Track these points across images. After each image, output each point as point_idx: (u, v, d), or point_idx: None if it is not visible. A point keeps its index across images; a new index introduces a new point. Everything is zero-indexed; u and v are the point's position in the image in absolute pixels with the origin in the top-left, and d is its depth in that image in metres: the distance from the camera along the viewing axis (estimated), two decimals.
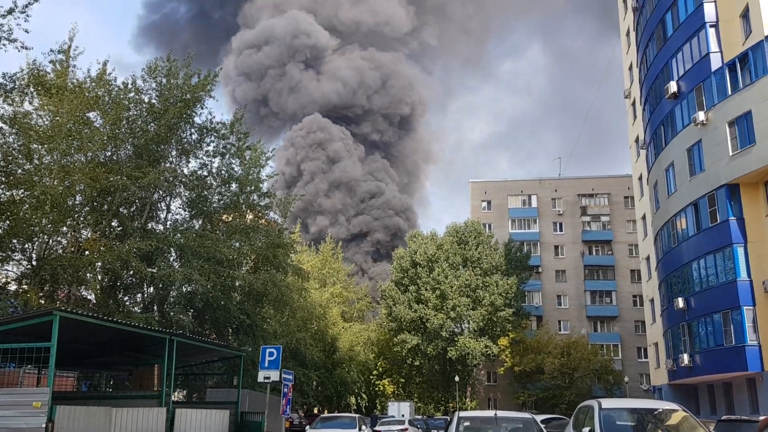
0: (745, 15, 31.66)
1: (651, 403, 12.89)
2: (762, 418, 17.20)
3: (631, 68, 48.61)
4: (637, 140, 47.07)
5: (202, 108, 25.69)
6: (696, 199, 33.13)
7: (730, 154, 30.43)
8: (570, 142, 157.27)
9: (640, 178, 47.28)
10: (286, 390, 22.25)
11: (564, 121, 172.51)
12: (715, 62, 32.57)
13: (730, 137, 30.56)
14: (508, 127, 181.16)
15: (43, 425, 8.22)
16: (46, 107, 21.69)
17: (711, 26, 33.28)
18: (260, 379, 20.70)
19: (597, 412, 10.96)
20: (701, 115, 32.07)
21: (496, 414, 11.91)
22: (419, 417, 44.68)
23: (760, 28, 29.79)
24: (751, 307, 29.59)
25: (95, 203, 23.39)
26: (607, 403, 11.70)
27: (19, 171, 20.95)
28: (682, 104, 34.70)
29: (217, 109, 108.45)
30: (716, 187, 31.48)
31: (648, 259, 46.11)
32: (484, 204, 73.17)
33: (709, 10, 33.43)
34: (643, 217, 46.97)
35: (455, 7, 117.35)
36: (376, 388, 58.65)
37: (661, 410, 11.76)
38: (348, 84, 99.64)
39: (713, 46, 32.99)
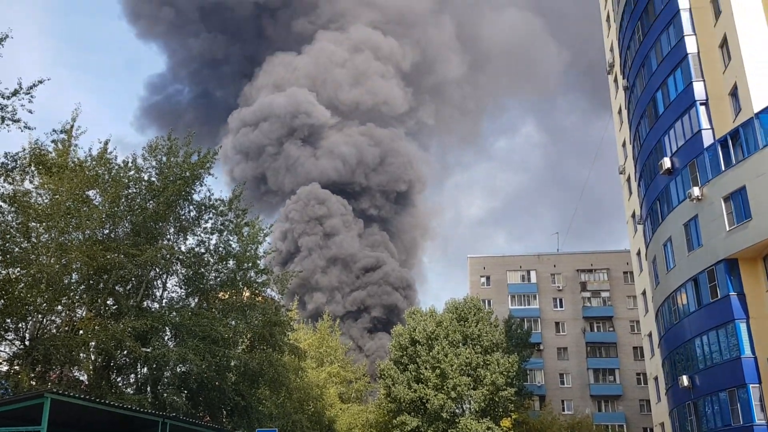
0: (734, 93, 32.50)
1: None
2: None
3: (624, 144, 49.46)
4: (633, 215, 47.36)
5: (201, 185, 25.94)
6: (695, 274, 33.00)
7: (727, 229, 30.54)
8: (567, 217, 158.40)
9: (639, 254, 47.27)
10: None
11: (560, 197, 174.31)
12: (707, 138, 33.17)
13: (726, 212, 30.75)
14: (504, 202, 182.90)
15: None
16: (46, 186, 21.87)
17: (701, 104, 34.08)
18: None
19: None
20: (696, 191, 32.38)
21: None
22: None
23: (749, 105, 30.52)
24: (757, 385, 28.98)
25: (91, 281, 23.24)
26: None
27: (17, 249, 20.91)
28: (676, 180, 35.11)
29: (216, 186, 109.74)
30: (715, 262, 31.42)
31: (650, 335, 45.52)
32: (483, 279, 72.84)
33: (698, 89, 34.30)
34: (644, 293, 46.68)
35: (451, 88, 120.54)
36: None
37: None
38: (347, 161, 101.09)
39: (704, 123, 33.68)
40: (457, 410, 52.73)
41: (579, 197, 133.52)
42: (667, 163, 35.57)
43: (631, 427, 64.40)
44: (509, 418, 56.35)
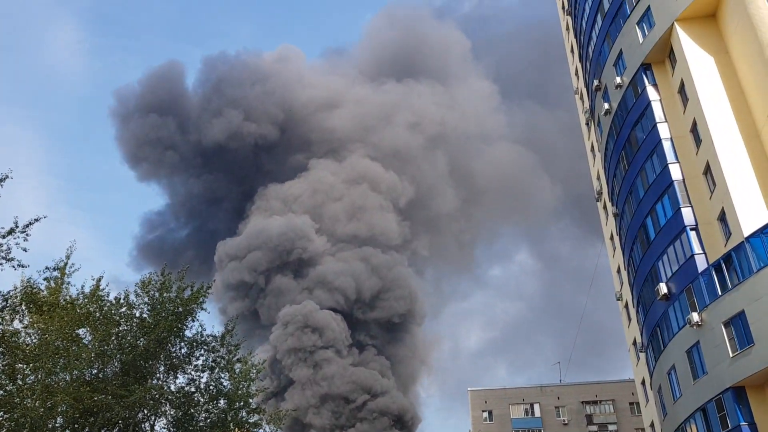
0: (722, 218, 32.94)
1: None
2: None
3: (619, 271, 49.48)
4: (635, 342, 46.54)
5: (193, 321, 25.51)
6: (703, 404, 31.94)
7: (731, 355, 29.92)
8: (567, 345, 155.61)
9: (643, 383, 46.00)
10: None
11: (559, 325, 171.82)
12: (701, 263, 33.25)
13: (728, 338, 30.25)
14: (503, 332, 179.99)
15: None
16: (35, 325, 21.51)
17: (691, 229, 34.46)
18: None
19: None
20: (695, 317, 32.03)
21: None
22: None
23: (738, 230, 30.85)
24: None
25: (76, 425, 22.23)
26: None
27: (1, 392, 20.23)
28: (674, 306, 34.82)
29: (208, 321, 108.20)
30: (722, 390, 30.49)
31: None
32: (485, 414, 70.34)
33: (687, 214, 34.83)
34: (652, 425, 44.94)
35: (446, 221, 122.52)
36: None
37: None
38: (345, 293, 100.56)
39: (696, 248, 33.90)
40: None
41: (578, 325, 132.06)
42: (663, 288, 35.46)
43: None
44: None
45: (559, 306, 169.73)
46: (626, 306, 48.29)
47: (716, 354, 30.85)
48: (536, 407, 69.77)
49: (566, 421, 68.27)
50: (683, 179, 35.81)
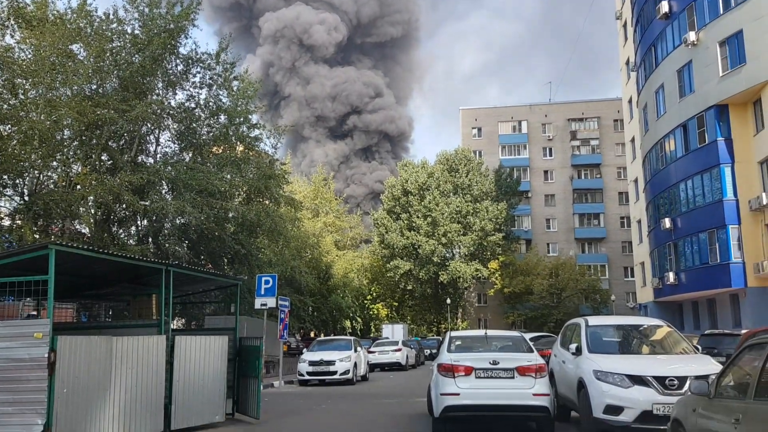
0: None
1: (636, 319, 13.36)
2: (744, 331, 17.89)
3: None
4: (627, 62, 46.68)
5: (186, 38, 25.16)
6: (685, 120, 33.22)
7: (720, 74, 30.36)
8: (560, 67, 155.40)
9: (630, 101, 47.15)
10: (282, 316, 22.86)
11: (554, 46, 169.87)
12: None
13: (721, 57, 30.42)
14: (498, 54, 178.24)
15: (46, 355, 8.47)
16: (27, 41, 21.20)
17: None
18: (257, 306, 21.25)
19: (584, 329, 11.37)
20: (692, 35, 31.79)
21: (486, 333, 12.36)
22: (412, 338, 45.87)
23: None
24: (737, 226, 30.21)
25: (84, 137, 23.17)
26: (594, 320, 12.13)
27: (5, 106, 20.67)
28: (673, 24, 34.30)
29: (202, 39, 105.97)
30: (705, 108, 31.54)
31: (636, 181, 46.54)
32: (475, 131, 72.96)
33: None
34: (632, 140, 47.11)
35: None
36: (371, 312, 59.98)
37: (646, 326, 12.21)
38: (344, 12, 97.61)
39: None
40: (447, 254, 55.02)
41: (574, 46, 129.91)
42: (664, 6, 34.58)
43: (613, 267, 67.57)
44: (496, 261, 59.02)
45: (557, 27, 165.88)
46: (624, 25, 47.47)
47: (706, 73, 31.27)
48: (524, 124, 72.16)
49: (551, 137, 71.20)
50: None
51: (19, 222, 21.55)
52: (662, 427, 7.92)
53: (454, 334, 12.52)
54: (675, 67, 34.15)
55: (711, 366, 9.56)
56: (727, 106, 30.64)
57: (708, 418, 6.01)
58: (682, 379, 9.07)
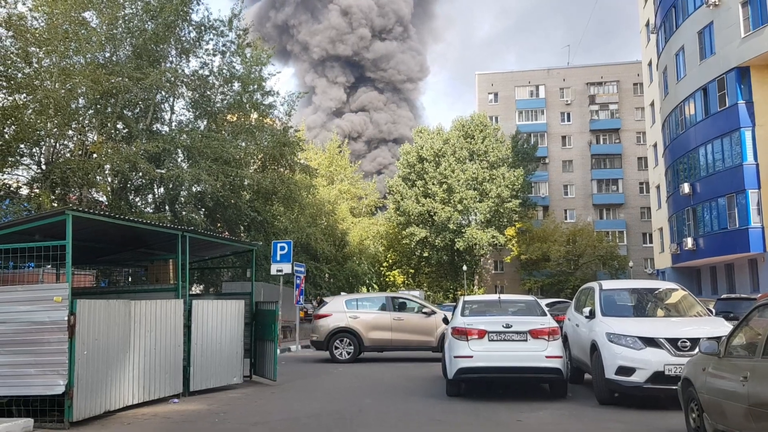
0: None
1: (651, 283, 13.29)
2: (760, 295, 17.83)
3: None
4: (647, 24, 45.77)
5: (198, 3, 25.07)
6: (705, 83, 32.63)
7: (742, 35, 29.69)
8: (578, 31, 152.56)
9: (650, 64, 46.35)
10: (298, 281, 23.05)
11: (573, 9, 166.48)
12: None
13: (743, 18, 29.73)
14: (517, 20, 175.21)
15: (66, 318, 8.65)
16: (39, 8, 21.20)
17: None
18: (273, 272, 21.43)
19: (598, 293, 11.38)
20: None
21: (500, 297, 12.42)
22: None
23: None
24: (756, 190, 29.85)
25: (99, 105, 23.26)
26: (608, 284, 12.12)
27: (20, 75, 20.74)
28: None
29: (215, 4, 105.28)
30: (726, 70, 30.93)
31: (655, 146, 45.99)
32: (491, 96, 72.20)
33: None
34: (652, 104, 46.43)
35: None
36: (387, 279, 60.27)
37: (660, 290, 12.18)
38: None
39: None
40: (463, 221, 54.88)
41: (592, 9, 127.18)
42: None
43: (631, 233, 67.17)
44: (513, 228, 58.86)
45: None
46: None
47: (728, 34, 30.60)
48: (541, 89, 71.26)
49: (569, 102, 70.31)
50: None
51: (37, 191, 21.78)
52: (673, 387, 7.97)
53: (468, 298, 12.58)
54: (696, 28, 33.43)
55: (724, 328, 9.53)
56: (749, 68, 30.01)
57: (717, 376, 6.06)
58: (694, 341, 9.08)
